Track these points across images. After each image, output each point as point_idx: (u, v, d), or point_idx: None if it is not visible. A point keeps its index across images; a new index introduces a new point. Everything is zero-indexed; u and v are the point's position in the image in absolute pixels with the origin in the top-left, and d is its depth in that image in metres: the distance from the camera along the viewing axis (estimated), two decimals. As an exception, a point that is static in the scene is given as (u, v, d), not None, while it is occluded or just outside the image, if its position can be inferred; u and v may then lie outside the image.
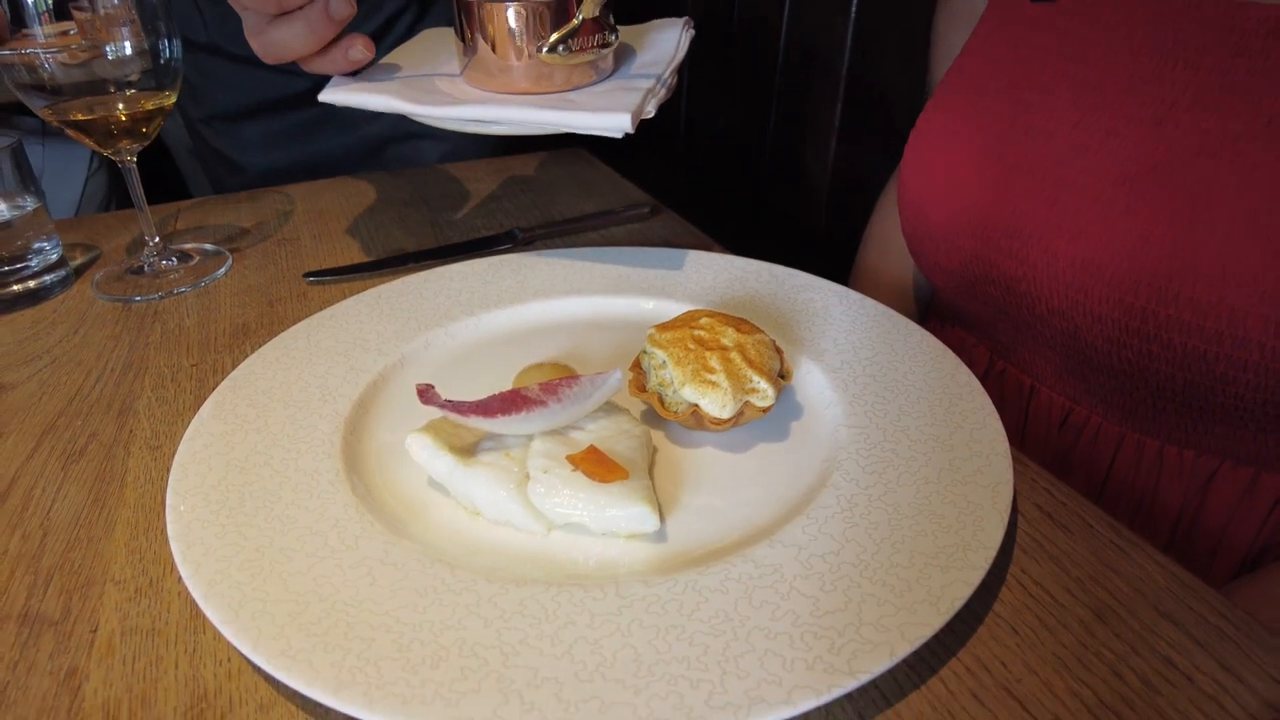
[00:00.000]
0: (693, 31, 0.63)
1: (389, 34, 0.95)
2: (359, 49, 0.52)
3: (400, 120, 1.03)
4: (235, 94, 0.95)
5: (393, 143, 1.00)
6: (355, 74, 0.56)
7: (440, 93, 0.55)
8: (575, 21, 0.52)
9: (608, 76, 0.57)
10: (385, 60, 0.61)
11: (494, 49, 0.53)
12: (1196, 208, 0.46)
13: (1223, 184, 0.45)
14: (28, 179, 0.62)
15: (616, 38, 0.56)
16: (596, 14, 0.53)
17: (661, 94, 0.54)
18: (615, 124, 0.49)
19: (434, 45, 0.64)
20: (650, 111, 0.52)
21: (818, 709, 0.31)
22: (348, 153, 0.99)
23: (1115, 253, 0.49)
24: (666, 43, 0.61)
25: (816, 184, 1.25)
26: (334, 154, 0.98)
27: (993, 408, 0.44)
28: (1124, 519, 0.41)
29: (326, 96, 0.54)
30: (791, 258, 0.62)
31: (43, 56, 0.55)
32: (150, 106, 0.59)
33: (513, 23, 0.52)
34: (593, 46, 0.54)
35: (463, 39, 0.55)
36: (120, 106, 0.58)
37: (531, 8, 0.52)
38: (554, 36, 0.52)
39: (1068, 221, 0.52)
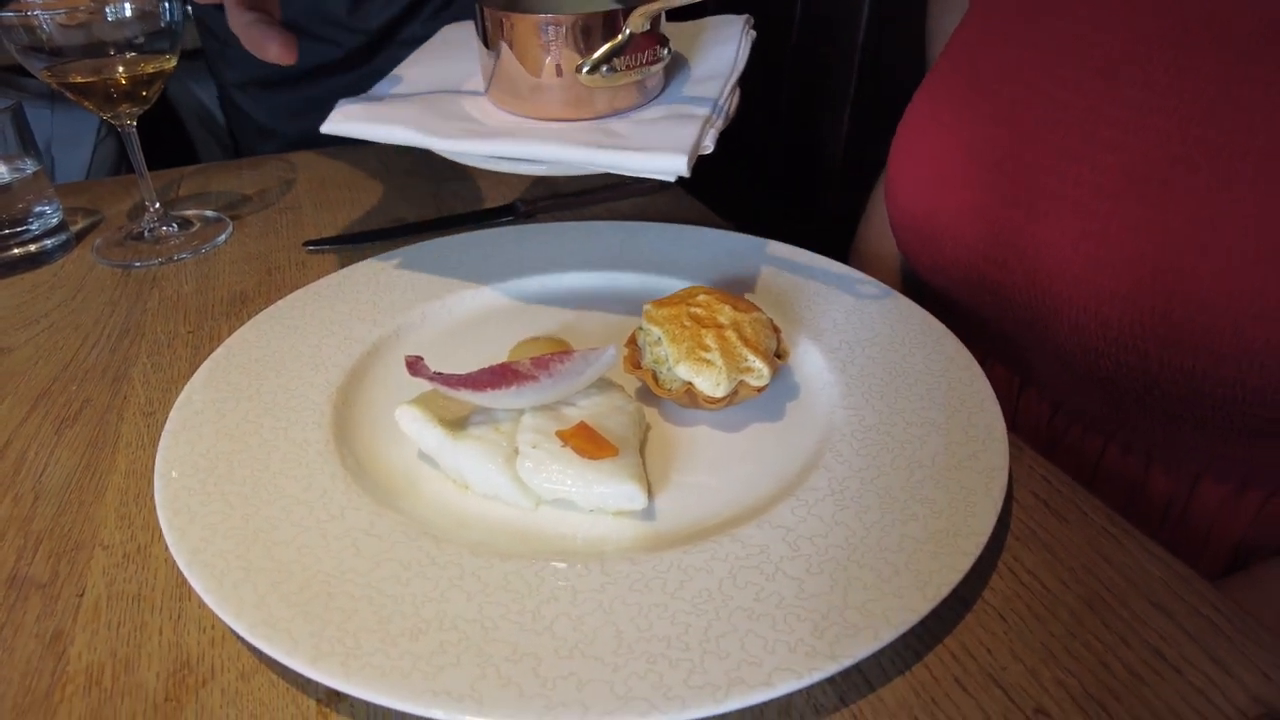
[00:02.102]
0: (753, 33, 0.54)
1: (420, 11, 0.94)
2: (274, 50, 0.47)
3: None
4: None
5: None
6: (370, 88, 0.51)
7: (461, 117, 0.47)
8: (621, 37, 0.44)
9: (656, 97, 0.49)
10: (401, 69, 0.54)
11: (524, 68, 0.46)
12: (1184, 225, 0.44)
13: (1211, 201, 0.43)
14: (28, 142, 0.61)
15: (670, 52, 0.48)
16: (647, 27, 0.44)
17: (719, 124, 0.46)
18: (669, 166, 0.41)
19: (456, 49, 0.56)
20: (709, 147, 0.44)
21: (799, 691, 0.31)
22: None
23: (1095, 264, 0.47)
24: (724, 53, 0.53)
25: (829, 161, 1.23)
26: None
27: (992, 392, 0.43)
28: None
29: (329, 128, 0.47)
30: (801, 236, 0.61)
31: (42, 18, 0.55)
32: (150, 70, 0.59)
33: (547, 39, 0.44)
34: (641, 65, 0.45)
35: (487, 48, 0.47)
36: (120, 69, 0.58)
37: (569, 21, 0.44)
38: (596, 55, 0.44)
39: (1047, 228, 0.49)
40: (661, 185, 0.74)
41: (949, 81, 0.58)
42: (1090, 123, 0.48)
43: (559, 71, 0.45)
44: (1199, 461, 0.52)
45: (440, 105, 0.48)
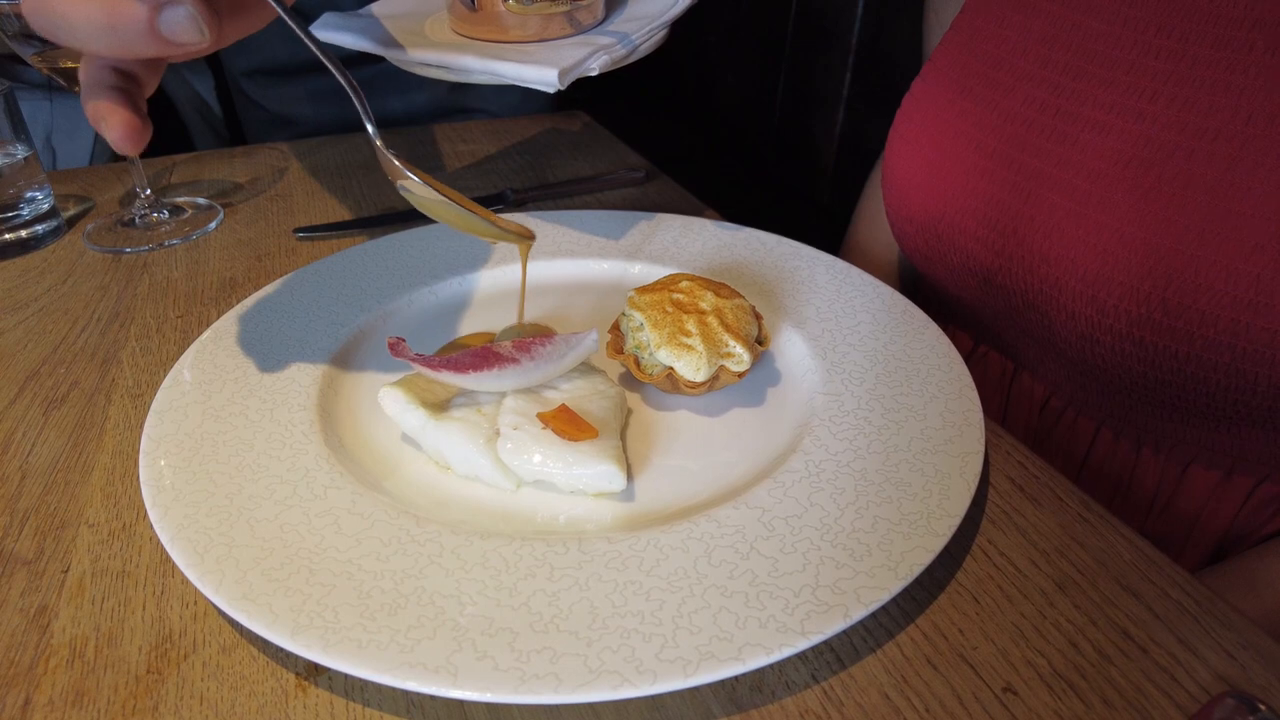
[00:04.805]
0: None
1: None
2: (114, 132, 0.34)
3: (452, 92, 1.02)
4: (282, 49, 0.93)
5: (455, 113, 0.99)
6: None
7: (413, 33, 0.56)
8: None
9: (588, 29, 0.56)
10: None
11: None
12: (1170, 208, 0.45)
13: (1197, 183, 0.44)
14: (19, 127, 0.61)
15: None
16: None
17: (621, 54, 0.53)
18: (543, 79, 0.49)
19: None
20: (594, 70, 0.51)
21: (770, 667, 0.31)
22: (398, 118, 0.98)
23: (1089, 250, 0.48)
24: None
25: (822, 155, 1.24)
26: (387, 116, 0.97)
27: (970, 379, 0.43)
28: (1100, 502, 0.40)
29: (315, 29, 0.56)
30: (794, 229, 0.61)
31: (33, 3, 0.55)
32: (141, 56, 0.59)
33: None
34: None
35: None
36: (111, 55, 0.58)
37: None
38: None
39: (1043, 216, 0.50)
40: (648, 176, 0.75)
41: (946, 70, 0.58)
42: (1085, 108, 0.49)
43: (493, 2, 0.54)
44: (1189, 449, 0.52)
45: (402, 23, 0.57)
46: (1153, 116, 0.46)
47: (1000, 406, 0.62)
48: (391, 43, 0.53)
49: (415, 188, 0.42)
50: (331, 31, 0.55)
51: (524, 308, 0.48)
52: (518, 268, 0.56)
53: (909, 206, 0.59)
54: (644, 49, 0.55)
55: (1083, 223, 0.48)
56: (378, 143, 0.41)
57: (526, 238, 0.46)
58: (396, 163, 0.41)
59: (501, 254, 0.57)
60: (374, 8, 0.60)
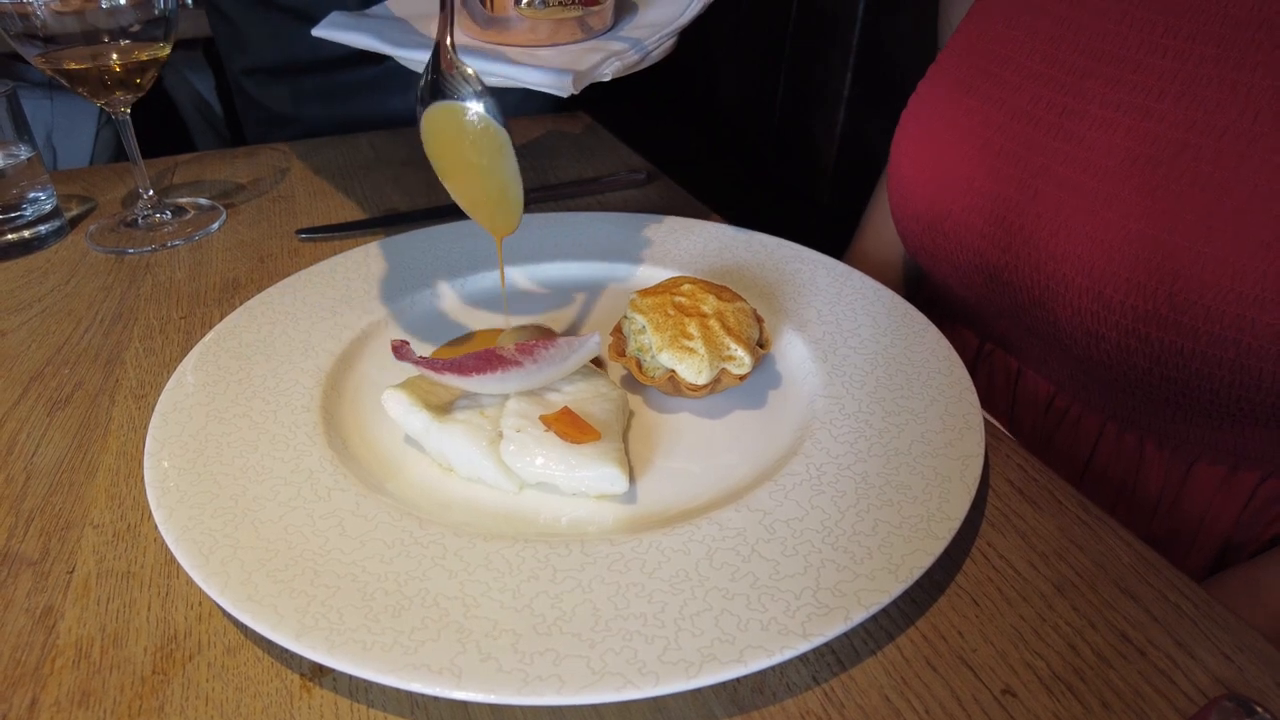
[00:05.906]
0: None
1: None
2: None
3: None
4: (282, 47, 0.93)
5: None
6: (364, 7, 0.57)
7: (422, 35, 0.55)
8: None
9: (598, 34, 0.56)
10: None
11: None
12: (1177, 205, 0.45)
13: (1205, 181, 0.44)
14: (23, 127, 0.62)
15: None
16: None
17: (633, 59, 0.52)
18: (557, 83, 0.48)
19: None
20: (606, 75, 0.51)
21: (771, 669, 0.32)
22: (402, 117, 0.98)
23: (1095, 246, 0.48)
24: (675, 5, 0.58)
25: (822, 155, 1.24)
26: (390, 115, 0.97)
27: (970, 382, 0.44)
28: (1105, 504, 0.41)
29: (318, 31, 0.55)
30: (794, 229, 0.62)
31: (36, 4, 0.55)
32: (144, 57, 0.59)
33: None
34: (572, 3, 0.53)
35: None
36: (114, 57, 0.58)
37: None
38: None
39: (1049, 213, 0.51)
40: (649, 178, 0.75)
41: (952, 70, 0.59)
42: (1092, 106, 0.50)
43: (506, 4, 0.53)
44: (1193, 447, 0.53)
45: (410, 24, 0.56)
46: (1160, 114, 0.47)
47: (1007, 407, 0.63)
48: (400, 42, 0.53)
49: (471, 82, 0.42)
50: (339, 31, 0.55)
51: (507, 303, 0.46)
52: (522, 269, 0.56)
53: (914, 204, 0.60)
54: (655, 55, 0.54)
55: (1089, 219, 0.49)
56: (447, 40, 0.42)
57: (505, 232, 0.46)
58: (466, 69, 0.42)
59: (505, 256, 0.57)
60: (381, 7, 0.60)
